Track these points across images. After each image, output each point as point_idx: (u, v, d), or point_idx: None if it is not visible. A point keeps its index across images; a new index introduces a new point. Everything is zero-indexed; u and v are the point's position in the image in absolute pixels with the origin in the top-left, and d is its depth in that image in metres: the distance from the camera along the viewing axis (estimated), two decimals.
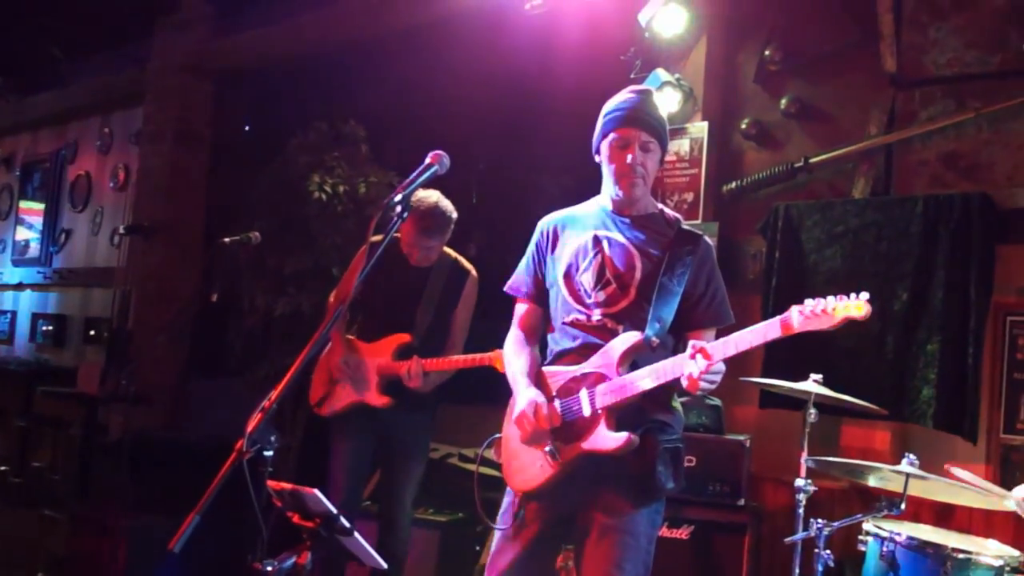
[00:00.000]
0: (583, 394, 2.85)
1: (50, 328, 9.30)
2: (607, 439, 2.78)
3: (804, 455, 3.79)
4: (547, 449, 2.88)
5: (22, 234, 10.04)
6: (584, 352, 2.93)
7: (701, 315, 2.99)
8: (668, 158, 5.07)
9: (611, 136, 2.98)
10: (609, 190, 3.04)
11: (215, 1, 7.76)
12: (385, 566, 2.69)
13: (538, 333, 3.17)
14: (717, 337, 2.88)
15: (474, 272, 4.46)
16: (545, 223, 3.18)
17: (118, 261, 8.18)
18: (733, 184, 5.05)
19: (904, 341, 4.43)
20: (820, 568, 3.63)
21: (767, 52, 5.02)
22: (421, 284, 4.35)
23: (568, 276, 3.01)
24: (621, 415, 2.82)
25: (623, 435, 2.76)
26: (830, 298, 2.56)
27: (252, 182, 6.15)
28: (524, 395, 2.94)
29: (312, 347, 2.54)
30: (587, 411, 2.83)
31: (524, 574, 2.96)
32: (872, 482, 3.81)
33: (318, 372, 4.51)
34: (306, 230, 5.64)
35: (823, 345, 4.57)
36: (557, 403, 2.91)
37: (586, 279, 2.97)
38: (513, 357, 3.10)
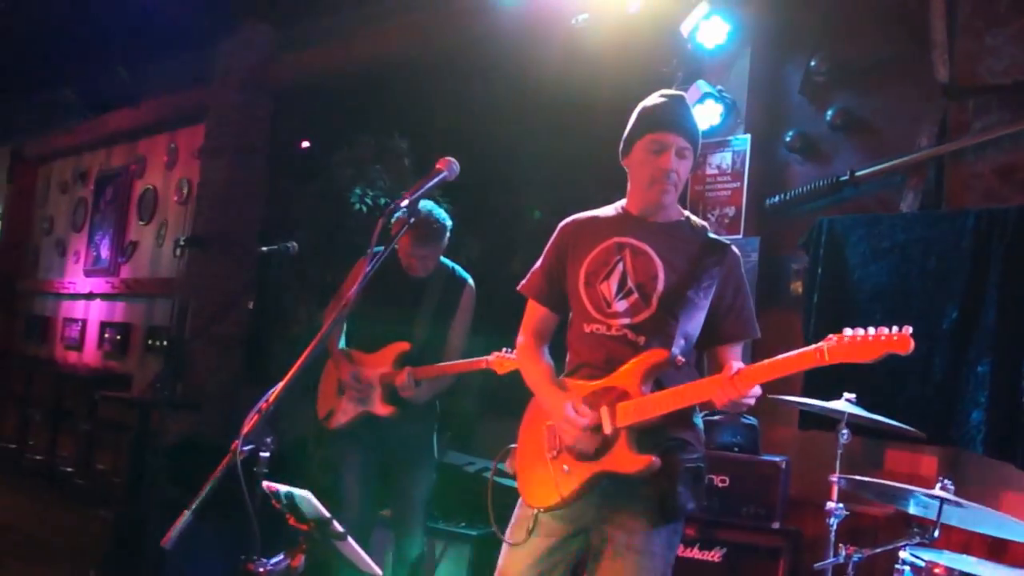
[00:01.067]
0: (604, 411, 2.73)
1: (116, 336, 9.49)
2: (628, 460, 2.68)
3: (835, 475, 3.64)
4: (564, 467, 2.79)
5: (94, 245, 10.28)
6: (604, 365, 2.82)
7: (729, 329, 2.88)
8: (710, 171, 5.03)
9: (647, 139, 2.86)
10: (637, 194, 2.93)
11: (274, 20, 7.87)
12: (379, 572, 2.65)
13: (549, 336, 3.09)
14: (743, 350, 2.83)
15: (471, 281, 4.44)
16: (566, 224, 3.06)
17: (178, 272, 8.32)
18: (776, 198, 4.92)
19: (953, 362, 4.22)
20: None
21: (813, 63, 4.88)
22: (418, 294, 4.34)
23: (588, 284, 2.90)
24: (642, 433, 2.71)
25: (645, 458, 2.65)
26: (871, 329, 2.40)
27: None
28: (558, 400, 2.83)
29: (310, 353, 2.53)
30: (608, 428, 2.72)
31: None
32: (912, 508, 3.65)
33: (324, 386, 4.52)
34: (348, 241, 5.66)
35: (866, 365, 4.41)
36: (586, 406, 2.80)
37: (607, 288, 2.85)
38: (532, 363, 3.01)
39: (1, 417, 11.02)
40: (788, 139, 4.97)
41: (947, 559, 3.43)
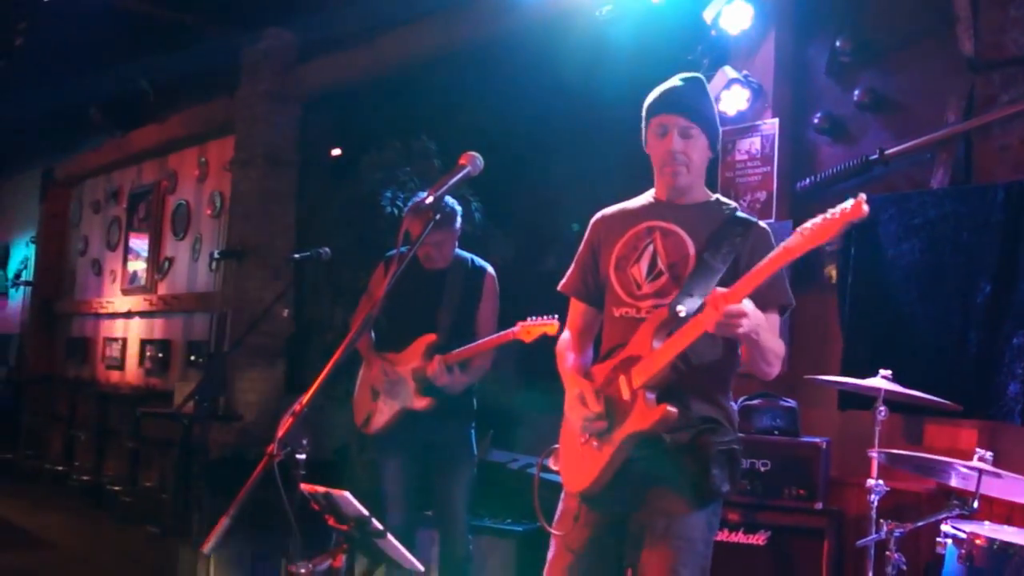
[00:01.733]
0: (621, 379, 2.76)
1: (156, 353, 9.60)
2: (645, 415, 2.66)
3: (874, 450, 3.64)
4: (594, 444, 2.80)
5: (131, 264, 10.40)
6: (628, 344, 2.81)
7: (760, 296, 2.74)
8: (739, 157, 5.02)
9: (652, 123, 2.91)
10: (659, 179, 2.97)
11: (297, 28, 7.93)
12: (421, 568, 2.68)
13: (592, 332, 3.10)
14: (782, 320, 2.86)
15: (490, 269, 4.49)
16: (598, 217, 3.10)
17: (215, 285, 8.41)
18: (807, 181, 4.90)
19: (988, 335, 4.20)
20: (892, 572, 3.48)
21: (838, 44, 4.86)
22: (439, 286, 4.38)
23: (619, 268, 2.93)
24: (660, 394, 2.69)
25: (660, 408, 2.63)
26: (829, 209, 2.40)
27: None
28: (570, 387, 2.88)
29: (342, 354, 2.56)
30: (626, 394, 2.73)
31: None
32: (953, 482, 3.64)
33: (359, 393, 4.56)
34: (380, 244, 5.70)
35: (902, 342, 4.41)
36: (602, 395, 2.81)
37: (637, 271, 2.88)
38: (564, 356, 3.04)
39: (47, 439, 11.21)
40: (816, 121, 4.96)
41: (988, 530, 3.43)
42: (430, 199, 2.72)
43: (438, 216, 2.76)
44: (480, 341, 4.25)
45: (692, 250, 2.83)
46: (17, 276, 12.65)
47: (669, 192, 2.95)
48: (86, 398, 10.43)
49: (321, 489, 2.62)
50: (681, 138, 2.85)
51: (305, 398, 2.48)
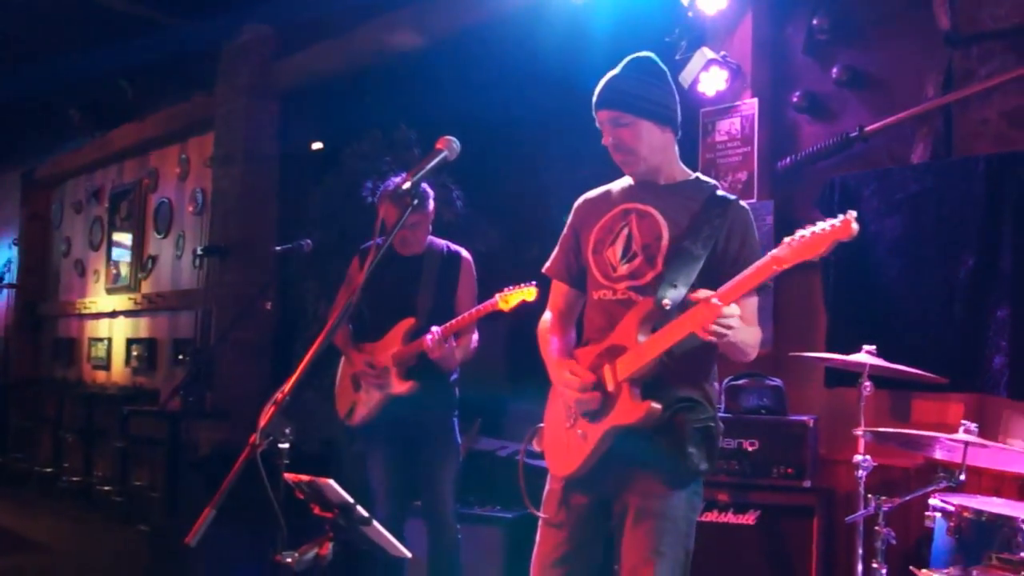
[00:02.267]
0: (606, 370, 2.76)
1: (142, 352, 9.56)
2: (630, 410, 2.68)
3: (861, 429, 3.65)
4: (579, 432, 2.82)
5: (113, 263, 10.36)
6: (610, 329, 2.83)
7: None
8: (719, 138, 5.02)
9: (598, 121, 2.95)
10: None
11: (275, 22, 7.88)
12: (408, 555, 2.67)
13: (572, 314, 3.11)
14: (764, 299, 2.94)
15: (466, 253, 4.50)
16: (580, 200, 3.11)
17: (199, 282, 8.38)
18: (788, 159, 4.90)
19: (972, 309, 4.21)
20: (882, 546, 3.49)
21: (815, 22, 4.85)
22: (416, 271, 4.39)
23: (596, 251, 2.94)
24: (647, 389, 2.71)
25: (644, 404, 2.65)
26: (819, 223, 2.42)
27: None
28: (557, 365, 2.89)
29: (321, 343, 2.55)
30: (611, 385, 2.74)
31: (568, 564, 2.90)
32: (940, 455, 3.65)
33: (341, 386, 4.55)
34: (363, 236, 5.67)
35: (887, 317, 4.42)
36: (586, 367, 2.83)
37: (612, 253, 2.89)
38: (546, 337, 3.04)
39: (36, 441, 11.18)
40: (795, 100, 4.95)
41: (976, 502, 3.44)
42: (407, 184, 2.69)
43: (416, 201, 2.73)
44: (462, 315, 4.23)
45: (666, 231, 2.83)
46: (0, 279, 12.58)
47: (644, 175, 2.95)
48: (73, 399, 10.39)
49: (305, 477, 2.61)
50: (614, 128, 2.87)
51: (286, 387, 2.46)
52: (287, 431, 2.44)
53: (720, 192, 2.93)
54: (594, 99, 2.92)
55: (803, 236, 2.42)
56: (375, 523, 2.56)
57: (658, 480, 2.76)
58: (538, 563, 2.95)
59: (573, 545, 2.90)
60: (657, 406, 2.64)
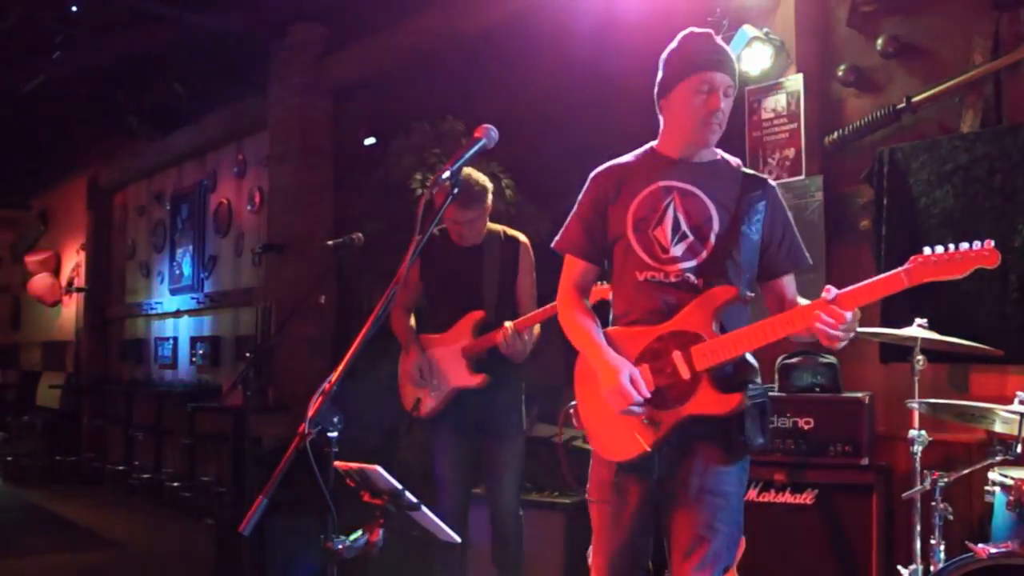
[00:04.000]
0: (677, 356, 2.70)
1: (206, 350, 9.75)
2: (717, 401, 2.66)
3: (913, 402, 3.60)
4: (645, 420, 2.74)
5: (176, 264, 10.57)
6: (663, 312, 2.76)
7: (782, 261, 2.86)
8: (765, 115, 4.99)
9: (695, 79, 2.75)
10: (680, 136, 2.85)
11: (324, 19, 7.97)
12: (457, 539, 2.70)
13: (588, 290, 3.03)
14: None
15: (523, 238, 4.46)
16: (600, 174, 2.96)
17: (259, 280, 8.52)
18: (835, 134, 4.84)
19: None
20: (939, 522, 3.44)
21: None
22: (477, 262, 4.37)
23: (639, 230, 2.82)
24: (720, 375, 2.70)
25: (735, 396, 2.64)
26: (951, 246, 2.47)
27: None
28: (614, 366, 2.74)
29: (368, 330, 2.57)
30: (686, 373, 2.68)
31: (635, 551, 2.86)
32: (998, 428, 3.59)
33: (404, 379, 4.56)
34: (413, 228, 5.72)
35: (940, 290, 4.31)
36: (645, 366, 2.75)
37: (660, 233, 2.79)
38: (578, 321, 2.91)
39: (108, 440, 11.46)
40: (841, 73, 4.88)
41: None
42: (447, 172, 2.71)
43: (456, 190, 2.74)
44: (537, 311, 4.22)
45: (715, 212, 2.78)
46: (70, 284, 12.91)
47: (687, 149, 2.85)
48: (142, 398, 10.65)
49: (354, 465, 2.65)
50: (725, 98, 2.77)
51: (334, 377, 2.49)
52: (335, 420, 2.48)
53: (747, 170, 2.90)
54: (704, 58, 2.78)
55: (940, 256, 2.44)
56: (424, 508, 2.59)
57: (714, 456, 2.74)
58: (600, 551, 2.90)
59: (637, 532, 2.85)
60: (746, 399, 2.65)
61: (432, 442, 4.50)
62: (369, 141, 8.02)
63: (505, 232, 4.48)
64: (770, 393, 4.27)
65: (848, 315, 2.51)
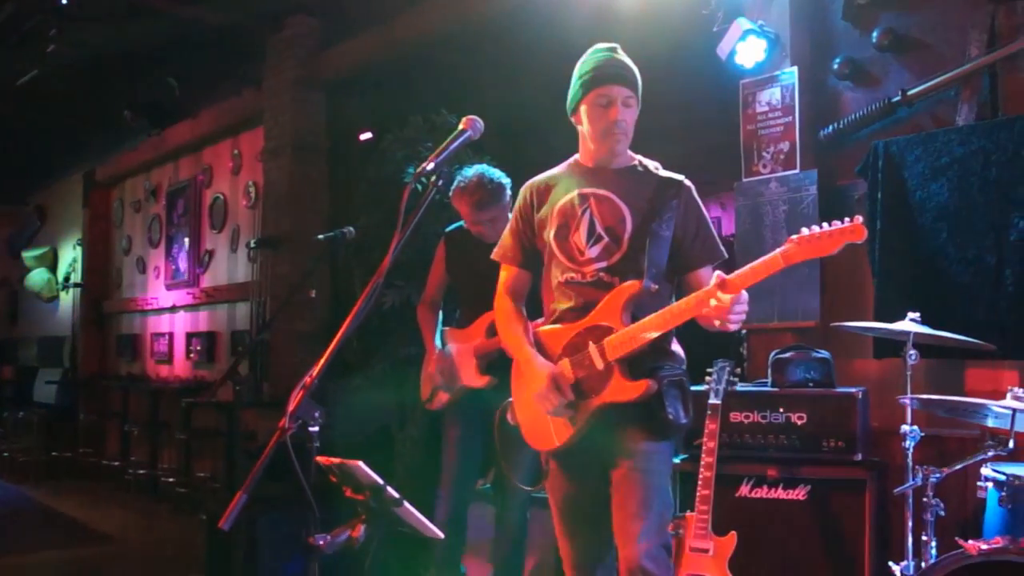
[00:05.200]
0: (592, 348, 2.91)
1: (202, 345, 9.73)
2: (627, 388, 2.87)
3: (906, 396, 3.57)
4: (566, 410, 2.94)
5: (172, 259, 10.54)
6: (583, 310, 2.99)
7: (697, 255, 3.06)
8: (760, 109, 4.95)
9: (593, 94, 3.00)
10: (591, 148, 3.08)
11: (319, 14, 7.94)
12: (441, 535, 2.67)
13: (524, 296, 3.25)
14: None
15: None
16: (527, 187, 3.22)
17: (254, 275, 8.49)
18: (830, 128, 4.81)
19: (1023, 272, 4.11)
20: (931, 518, 3.41)
21: None
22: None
23: (559, 236, 3.05)
24: (631, 362, 2.89)
25: (642, 383, 2.85)
26: (825, 225, 2.62)
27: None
28: (540, 371, 2.98)
29: (349, 326, 2.56)
30: (600, 364, 2.90)
31: (588, 531, 3.05)
32: (992, 423, 3.56)
33: (426, 369, 4.59)
34: (397, 220, 5.69)
35: (936, 285, 4.32)
36: (566, 361, 2.97)
37: (578, 237, 3.02)
38: (509, 324, 3.17)
39: (104, 435, 11.45)
40: (836, 67, 4.85)
41: None
42: (431, 164, 2.70)
43: (440, 181, 2.73)
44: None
45: (628, 213, 2.99)
46: (67, 279, 12.89)
47: (600, 159, 3.07)
48: (138, 393, 10.63)
49: (336, 460, 2.62)
50: (624, 108, 3.00)
51: (315, 371, 2.48)
52: (317, 414, 2.46)
53: (664, 173, 3.11)
54: (600, 74, 3.01)
55: (812, 234, 2.59)
56: (407, 504, 2.56)
57: (642, 436, 2.92)
58: (559, 535, 3.12)
59: (581, 511, 3.05)
60: (654, 384, 2.86)
61: (443, 433, 4.53)
62: (365, 136, 7.99)
63: None
64: (764, 388, 4.31)
65: (728, 298, 2.66)
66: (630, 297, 2.90)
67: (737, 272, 2.69)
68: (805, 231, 2.61)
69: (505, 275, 3.26)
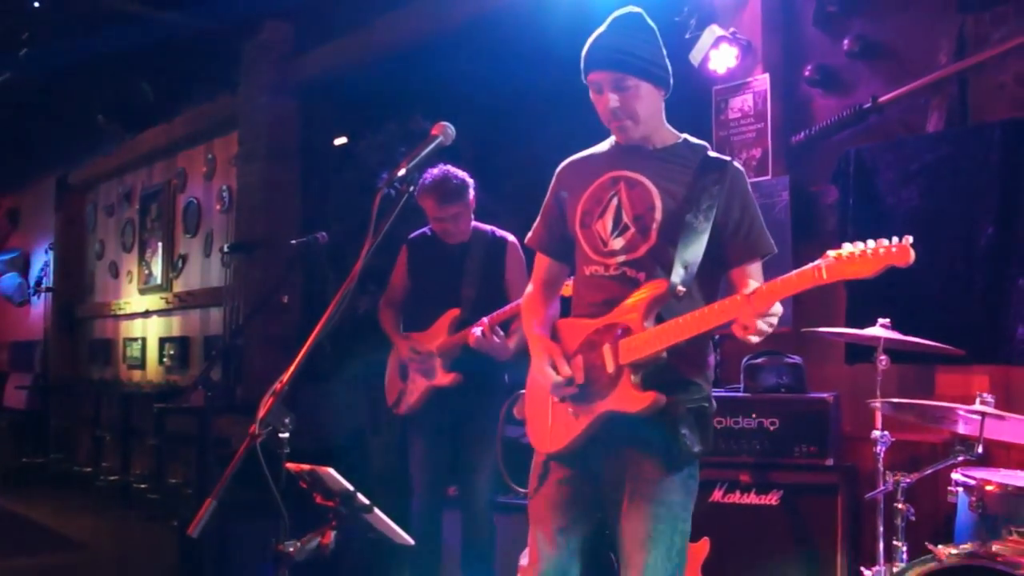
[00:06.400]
0: (607, 349, 2.64)
1: (175, 350, 9.66)
2: (632, 399, 2.57)
3: (875, 401, 3.59)
4: (571, 411, 2.71)
5: (145, 264, 10.48)
6: (604, 306, 2.70)
7: (740, 248, 2.72)
8: (732, 115, 4.97)
9: (587, 82, 2.75)
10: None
11: (295, 19, 7.92)
12: (411, 542, 2.65)
13: (557, 287, 3.01)
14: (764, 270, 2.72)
15: (512, 238, 4.43)
16: (563, 166, 2.95)
17: (228, 280, 8.45)
18: (802, 134, 4.84)
19: (994, 278, 4.15)
20: (902, 523, 3.43)
21: None
22: (461, 259, 4.37)
23: (584, 224, 2.79)
24: (648, 372, 2.59)
25: (648, 395, 2.55)
26: (870, 243, 2.31)
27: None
28: (541, 348, 2.76)
29: (320, 331, 2.55)
30: (611, 367, 2.63)
31: (567, 544, 2.77)
32: (962, 429, 3.59)
33: (390, 374, 4.56)
34: (368, 226, 5.68)
35: (907, 291, 4.35)
36: (580, 358, 2.71)
37: (602, 226, 2.74)
38: (527, 312, 2.94)
39: (75, 441, 11.35)
40: (807, 73, 4.88)
41: (1000, 476, 3.38)
42: (402, 171, 2.69)
43: (412, 188, 2.71)
44: (507, 306, 4.17)
45: (658, 201, 2.69)
46: (39, 283, 12.77)
47: (629, 141, 2.80)
48: (110, 399, 10.54)
49: (306, 467, 2.61)
50: (616, 93, 2.68)
51: (285, 377, 2.47)
52: (287, 420, 2.44)
53: (712, 153, 2.80)
54: (586, 59, 2.74)
55: (852, 253, 2.31)
56: (377, 511, 2.55)
57: (651, 463, 2.64)
58: (533, 542, 2.83)
59: (564, 522, 2.77)
60: (662, 398, 2.55)
61: (410, 440, 4.48)
62: (340, 141, 7.97)
63: (494, 232, 4.47)
64: (737, 393, 4.32)
65: (767, 309, 2.39)
66: (655, 298, 2.59)
67: (770, 282, 2.41)
68: (846, 247, 2.33)
69: (536, 263, 3.01)
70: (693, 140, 2.85)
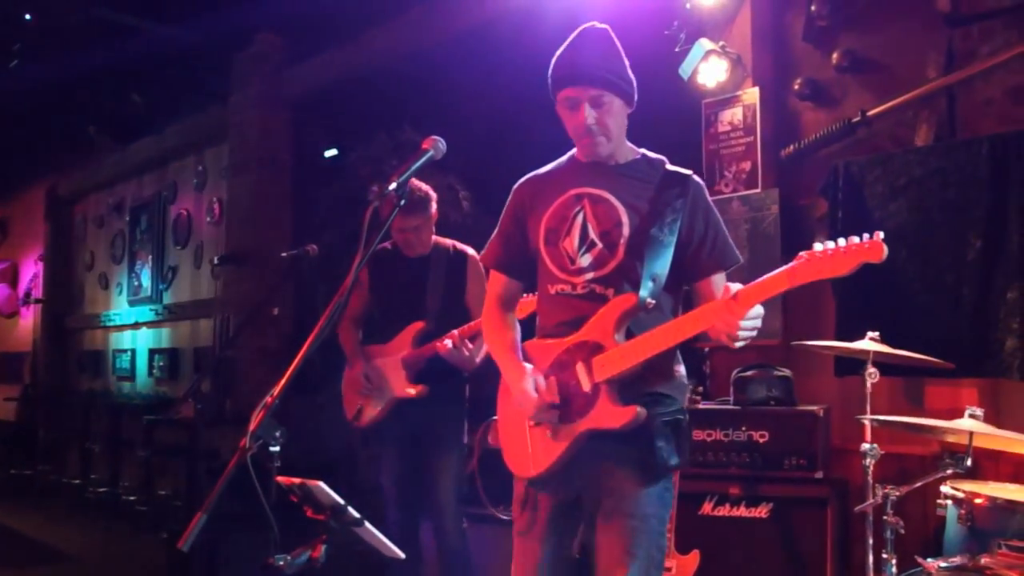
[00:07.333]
0: (580, 368, 2.63)
1: (165, 362, 9.64)
2: (612, 415, 2.55)
3: (865, 416, 3.60)
4: (550, 435, 2.68)
5: (135, 275, 10.46)
6: (574, 323, 2.68)
7: (705, 261, 2.72)
8: (722, 128, 4.98)
9: (559, 97, 2.72)
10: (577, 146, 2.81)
11: (285, 31, 7.93)
12: (401, 555, 2.65)
13: (514, 305, 2.97)
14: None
15: (471, 251, 4.43)
16: (521, 183, 2.91)
17: (218, 291, 8.44)
18: (791, 148, 4.86)
19: (982, 291, 4.16)
20: (891, 536, 3.44)
21: (813, 7, 4.80)
22: (423, 273, 4.37)
23: (549, 242, 2.75)
24: (621, 386, 2.59)
25: (630, 409, 2.53)
26: (841, 241, 2.29)
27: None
28: (518, 372, 2.72)
29: (311, 344, 2.55)
30: (586, 385, 2.61)
31: (554, 571, 2.75)
32: (950, 440, 3.60)
33: (347, 388, 4.54)
34: (359, 239, 5.68)
35: (896, 304, 4.37)
36: (551, 379, 2.68)
37: (569, 244, 2.71)
38: (493, 333, 2.89)
39: (64, 453, 11.30)
40: (797, 87, 4.90)
41: (989, 489, 3.39)
42: (393, 184, 2.68)
43: (403, 201, 2.70)
44: (477, 320, 4.14)
45: (624, 217, 2.67)
46: (28, 294, 12.74)
47: (591, 157, 2.78)
48: (99, 411, 10.51)
49: (296, 480, 2.61)
50: (593, 108, 2.67)
51: (276, 390, 2.46)
52: (277, 434, 2.44)
53: (671, 167, 2.79)
54: (559, 75, 2.72)
55: (825, 252, 2.29)
56: (367, 524, 2.55)
57: (628, 477, 2.62)
58: (517, 570, 2.80)
59: (550, 547, 2.74)
60: (643, 411, 2.53)
61: (379, 454, 4.47)
62: (330, 153, 7.97)
63: (455, 246, 4.48)
64: (726, 406, 4.32)
65: (751, 311, 2.38)
66: (624, 312, 2.58)
67: (749, 285, 2.38)
68: (818, 247, 2.30)
69: (492, 281, 2.96)
70: (651, 155, 2.84)
